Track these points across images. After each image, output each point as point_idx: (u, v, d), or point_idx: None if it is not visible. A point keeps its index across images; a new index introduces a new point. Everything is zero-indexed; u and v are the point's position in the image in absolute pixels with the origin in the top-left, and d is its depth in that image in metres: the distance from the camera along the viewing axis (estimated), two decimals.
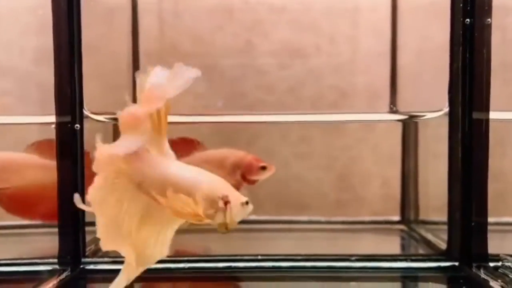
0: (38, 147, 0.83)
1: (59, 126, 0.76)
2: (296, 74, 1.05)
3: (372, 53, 1.03)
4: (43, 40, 0.80)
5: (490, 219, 0.83)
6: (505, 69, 1.00)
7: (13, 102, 0.99)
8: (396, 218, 1.00)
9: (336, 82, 1.04)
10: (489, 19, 0.71)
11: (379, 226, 1.00)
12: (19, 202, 0.81)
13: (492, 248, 0.74)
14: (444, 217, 0.79)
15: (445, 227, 0.79)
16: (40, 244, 0.85)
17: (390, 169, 1.04)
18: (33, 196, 0.81)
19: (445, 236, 0.79)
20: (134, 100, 1.00)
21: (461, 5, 0.73)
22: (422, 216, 0.97)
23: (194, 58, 1.04)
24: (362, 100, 1.04)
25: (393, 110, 0.95)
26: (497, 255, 0.72)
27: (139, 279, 0.74)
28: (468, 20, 0.72)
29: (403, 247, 0.93)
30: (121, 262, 0.78)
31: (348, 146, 1.05)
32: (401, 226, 0.99)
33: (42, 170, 0.81)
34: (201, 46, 1.04)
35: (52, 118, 0.76)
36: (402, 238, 0.95)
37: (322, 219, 1.01)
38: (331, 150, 1.06)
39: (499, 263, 0.69)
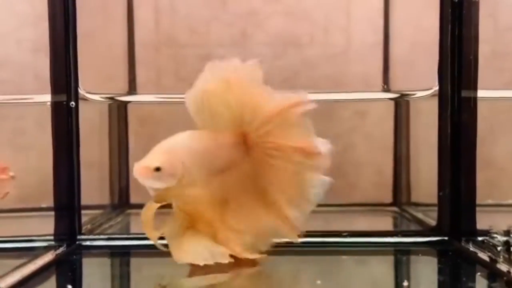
0: None
1: (55, 104, 0.77)
2: (291, 63, 1.06)
3: (366, 39, 1.04)
4: (40, 30, 0.81)
5: (483, 202, 0.85)
6: (497, 57, 1.01)
7: (10, 91, 0.99)
8: (389, 201, 1.02)
9: (330, 72, 1.05)
10: None
11: (372, 208, 1.01)
12: None
13: (484, 226, 0.75)
14: (434, 199, 0.80)
15: (436, 208, 0.80)
16: (37, 224, 0.85)
17: (383, 155, 1.05)
18: None
19: (435, 215, 0.80)
20: (129, 86, 1.02)
21: None
22: (413, 199, 0.98)
23: (189, 48, 1.05)
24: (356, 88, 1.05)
25: (385, 89, 0.96)
26: (486, 230, 0.73)
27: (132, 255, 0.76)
28: None
29: (395, 225, 0.94)
30: (116, 239, 0.80)
31: (341, 133, 1.06)
32: (394, 208, 1.00)
33: None
34: (196, 36, 1.05)
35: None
36: (394, 218, 0.97)
37: None
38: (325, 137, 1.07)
39: (486, 236, 0.71)
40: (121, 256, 0.77)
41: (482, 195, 0.81)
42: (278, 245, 0.76)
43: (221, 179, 0.68)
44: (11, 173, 0.74)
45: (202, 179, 0.66)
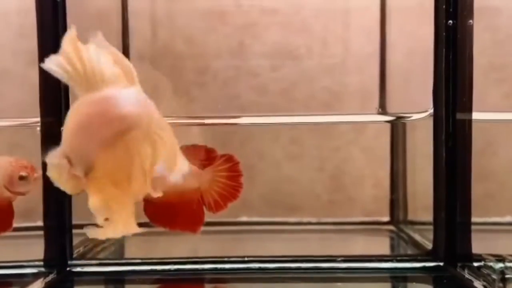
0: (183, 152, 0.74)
1: (45, 128, 0.76)
2: (288, 75, 1.05)
3: (363, 55, 1.03)
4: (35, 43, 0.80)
5: (480, 220, 0.84)
6: (495, 69, 1.01)
7: (5, 105, 0.99)
8: (386, 219, 1.01)
9: (328, 84, 1.05)
10: (471, 21, 0.72)
11: (369, 227, 1.00)
12: (163, 210, 0.69)
13: (481, 248, 0.74)
14: (431, 218, 0.79)
15: (432, 227, 0.79)
16: (26, 248, 0.84)
17: (380, 170, 1.04)
18: (175, 204, 0.69)
19: (432, 237, 0.79)
20: None
21: (444, 6, 0.73)
22: (410, 217, 0.97)
23: (187, 59, 1.04)
24: (354, 101, 1.04)
25: (380, 112, 0.95)
26: (481, 255, 0.72)
27: (126, 281, 0.75)
28: (451, 21, 0.73)
29: (391, 247, 0.93)
30: (110, 264, 0.78)
31: (339, 147, 1.05)
32: (390, 227, 0.99)
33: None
34: (194, 47, 1.04)
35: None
36: (391, 239, 0.96)
37: (313, 220, 1.01)
38: (322, 151, 1.07)
39: (482, 263, 0.69)
40: (116, 284, 0.76)
41: (479, 211, 0.80)
42: (267, 270, 0.75)
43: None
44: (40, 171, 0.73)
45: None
